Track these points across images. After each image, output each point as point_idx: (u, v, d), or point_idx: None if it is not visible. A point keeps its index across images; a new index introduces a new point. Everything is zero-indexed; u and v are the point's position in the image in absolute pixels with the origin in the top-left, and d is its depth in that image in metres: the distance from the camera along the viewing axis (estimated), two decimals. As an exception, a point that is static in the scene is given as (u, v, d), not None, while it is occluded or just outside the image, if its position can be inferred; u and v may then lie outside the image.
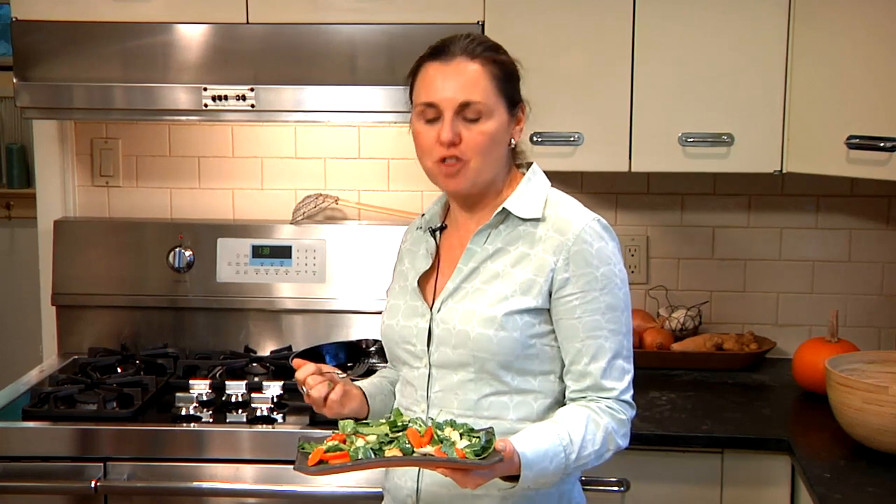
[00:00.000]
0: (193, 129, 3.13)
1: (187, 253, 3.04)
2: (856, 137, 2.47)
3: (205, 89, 2.69)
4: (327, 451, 1.66)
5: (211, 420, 2.56)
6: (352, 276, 3.02)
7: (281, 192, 3.14)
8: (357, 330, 3.02)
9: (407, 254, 2.02)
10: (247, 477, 2.48)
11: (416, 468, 1.85)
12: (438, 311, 1.88)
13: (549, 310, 1.83)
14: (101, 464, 2.49)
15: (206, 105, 2.69)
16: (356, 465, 1.64)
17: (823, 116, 2.57)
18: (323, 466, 1.65)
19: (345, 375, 1.98)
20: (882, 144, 2.41)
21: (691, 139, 2.66)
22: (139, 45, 2.72)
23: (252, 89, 2.69)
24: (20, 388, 2.77)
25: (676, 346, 2.94)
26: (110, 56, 2.73)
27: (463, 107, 1.80)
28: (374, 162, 3.12)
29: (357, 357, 2.86)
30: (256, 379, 2.73)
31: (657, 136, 2.68)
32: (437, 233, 1.96)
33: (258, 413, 2.57)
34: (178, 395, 2.64)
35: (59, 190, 3.15)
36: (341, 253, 3.03)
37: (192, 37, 2.72)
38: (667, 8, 2.64)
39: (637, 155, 2.69)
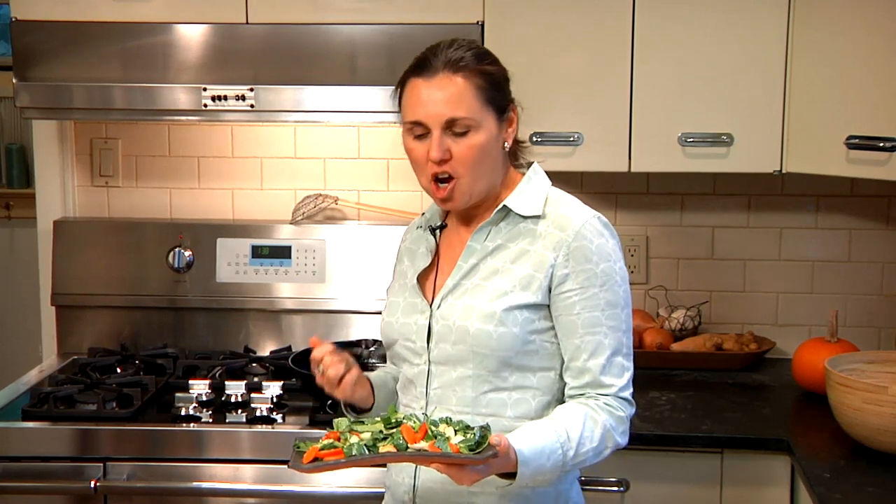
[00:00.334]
0: (193, 129, 3.13)
1: (187, 253, 3.04)
2: (855, 137, 2.47)
3: (204, 89, 2.69)
4: (322, 448, 1.65)
5: (210, 420, 2.56)
6: (351, 277, 3.02)
7: (280, 192, 3.14)
8: (357, 330, 3.01)
9: (407, 252, 2.02)
10: (246, 477, 2.49)
11: (414, 465, 1.84)
12: (438, 307, 1.88)
13: (548, 306, 1.83)
14: (101, 464, 2.49)
15: (205, 105, 2.69)
16: (350, 461, 1.64)
17: (823, 116, 2.57)
18: (317, 463, 1.65)
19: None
20: (882, 144, 2.41)
21: (691, 139, 2.66)
22: (139, 45, 2.72)
23: (252, 89, 2.68)
24: (20, 388, 2.77)
25: (676, 346, 2.94)
26: (110, 56, 2.73)
27: (450, 123, 1.80)
28: (373, 162, 3.12)
29: (356, 357, 2.85)
30: (256, 379, 2.73)
31: (657, 136, 2.68)
32: (438, 231, 1.96)
33: (258, 413, 2.57)
34: (178, 395, 2.64)
35: (58, 190, 3.15)
36: (341, 253, 3.02)
37: (191, 37, 2.72)
38: (666, 8, 2.64)
39: (637, 155, 2.69)
